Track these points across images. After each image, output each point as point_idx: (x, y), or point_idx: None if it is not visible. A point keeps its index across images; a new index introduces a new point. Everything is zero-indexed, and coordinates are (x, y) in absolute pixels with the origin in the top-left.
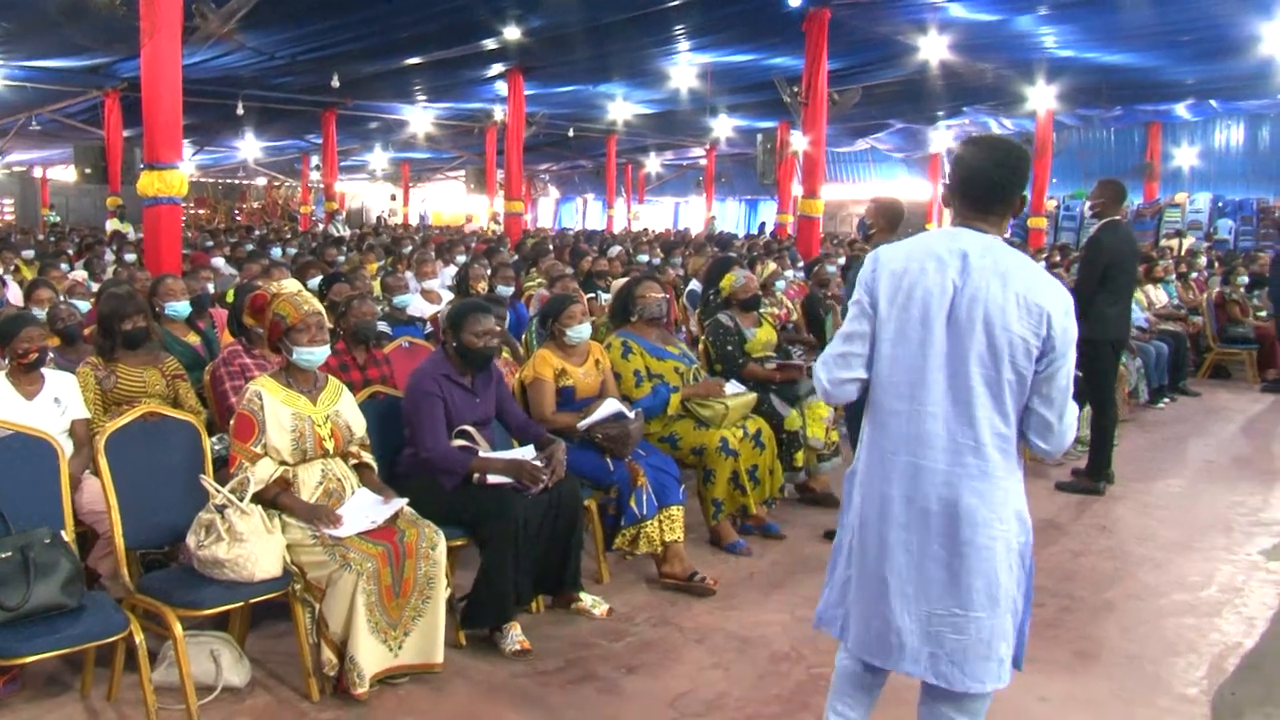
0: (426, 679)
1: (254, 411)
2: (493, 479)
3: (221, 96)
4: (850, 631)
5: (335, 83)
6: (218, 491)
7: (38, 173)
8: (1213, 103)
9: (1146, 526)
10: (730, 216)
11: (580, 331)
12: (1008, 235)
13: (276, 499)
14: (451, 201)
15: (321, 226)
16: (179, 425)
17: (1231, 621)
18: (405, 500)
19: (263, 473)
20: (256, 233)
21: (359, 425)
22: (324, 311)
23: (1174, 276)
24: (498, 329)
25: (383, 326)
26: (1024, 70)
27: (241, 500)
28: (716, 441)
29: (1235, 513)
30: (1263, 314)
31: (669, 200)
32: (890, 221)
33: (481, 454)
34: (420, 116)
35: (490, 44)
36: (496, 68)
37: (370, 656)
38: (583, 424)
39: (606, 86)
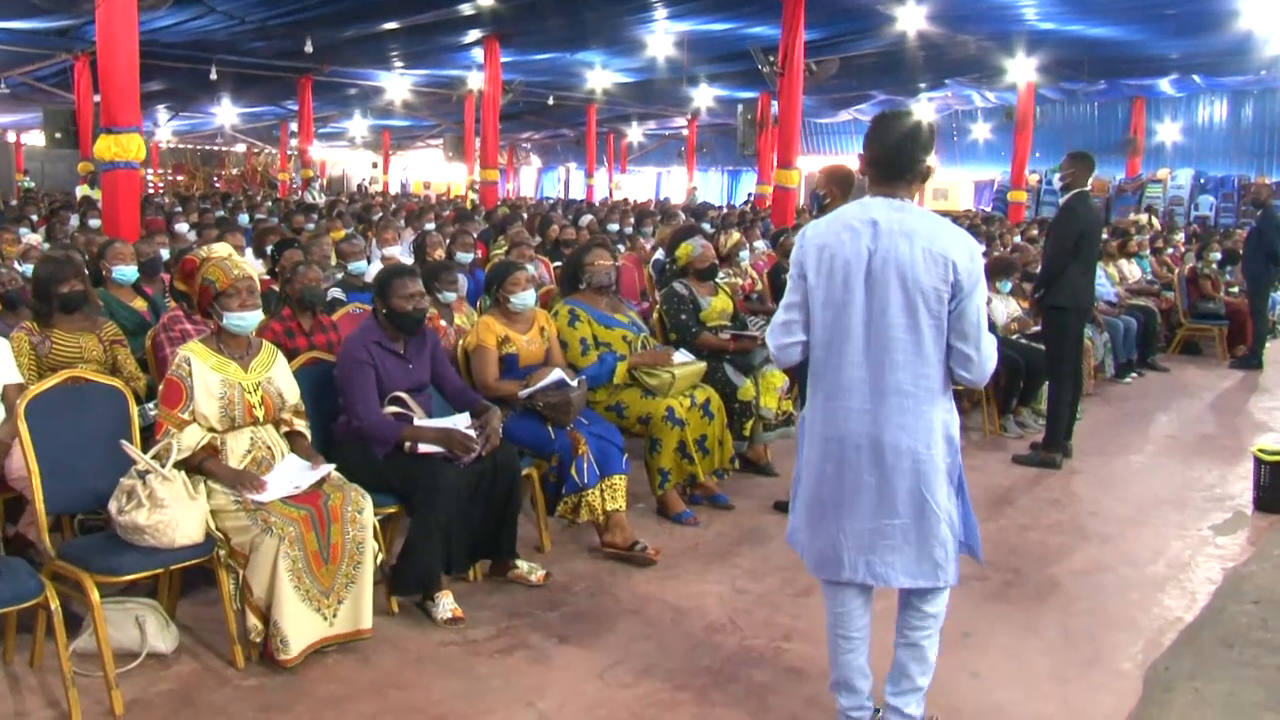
0: (353, 647)
1: (182, 378)
2: (424, 448)
3: (194, 61)
4: (806, 552)
5: (309, 48)
6: (140, 457)
7: (11, 137)
8: (1196, 78)
9: (1099, 501)
10: (712, 187)
11: (524, 298)
12: (988, 208)
13: (202, 465)
14: (433, 170)
15: (299, 194)
16: (106, 390)
17: (1174, 596)
18: (332, 466)
19: (189, 440)
20: (232, 199)
21: (292, 393)
22: (255, 276)
23: (1148, 251)
24: (423, 291)
25: (337, 293)
26: (1005, 42)
27: (164, 466)
28: (663, 410)
29: (1191, 489)
30: (1234, 290)
31: (651, 170)
32: (843, 189)
33: (416, 422)
34: (397, 83)
35: (466, 9)
36: (473, 34)
37: (302, 625)
38: (524, 392)
39: (584, 54)
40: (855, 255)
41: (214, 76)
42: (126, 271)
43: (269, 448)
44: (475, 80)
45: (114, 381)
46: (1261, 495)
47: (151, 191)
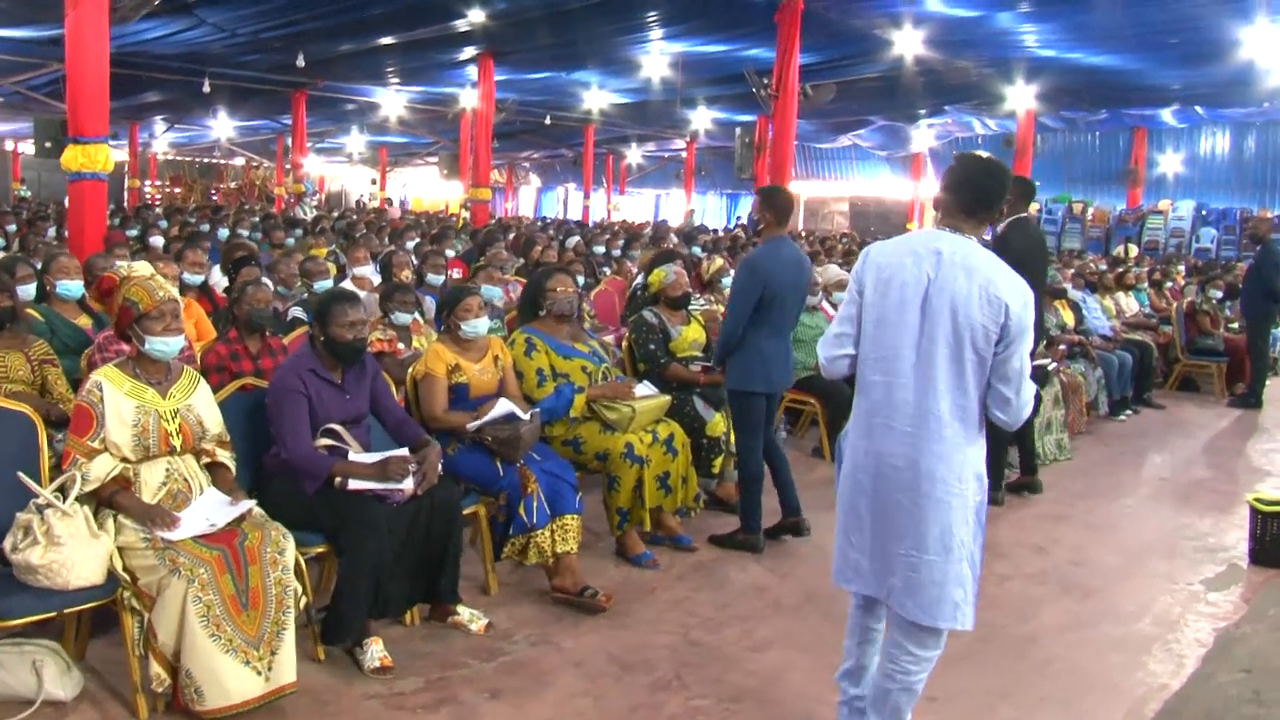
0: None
1: (92, 404)
2: (355, 484)
3: (188, 74)
4: (835, 561)
5: (300, 62)
6: (38, 490)
7: (9, 146)
8: (1198, 109)
9: (1086, 549)
10: (711, 210)
11: (475, 326)
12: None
13: (112, 498)
14: (432, 187)
15: (292, 209)
16: (10, 416)
17: (1160, 659)
18: (252, 503)
19: (98, 470)
20: (222, 213)
21: (214, 421)
22: (179, 299)
23: (1146, 284)
24: (365, 319)
25: (298, 313)
26: (1004, 69)
27: (66, 500)
28: (621, 447)
29: (1182, 536)
30: (1234, 326)
31: (650, 192)
32: (778, 214)
33: (351, 456)
34: (393, 99)
35: (460, 25)
36: (468, 51)
37: (226, 677)
38: (472, 425)
39: (581, 74)
40: (915, 280)
41: (207, 89)
42: (71, 287)
43: (186, 480)
44: (469, 98)
45: (19, 406)
46: (1257, 548)
47: (148, 203)
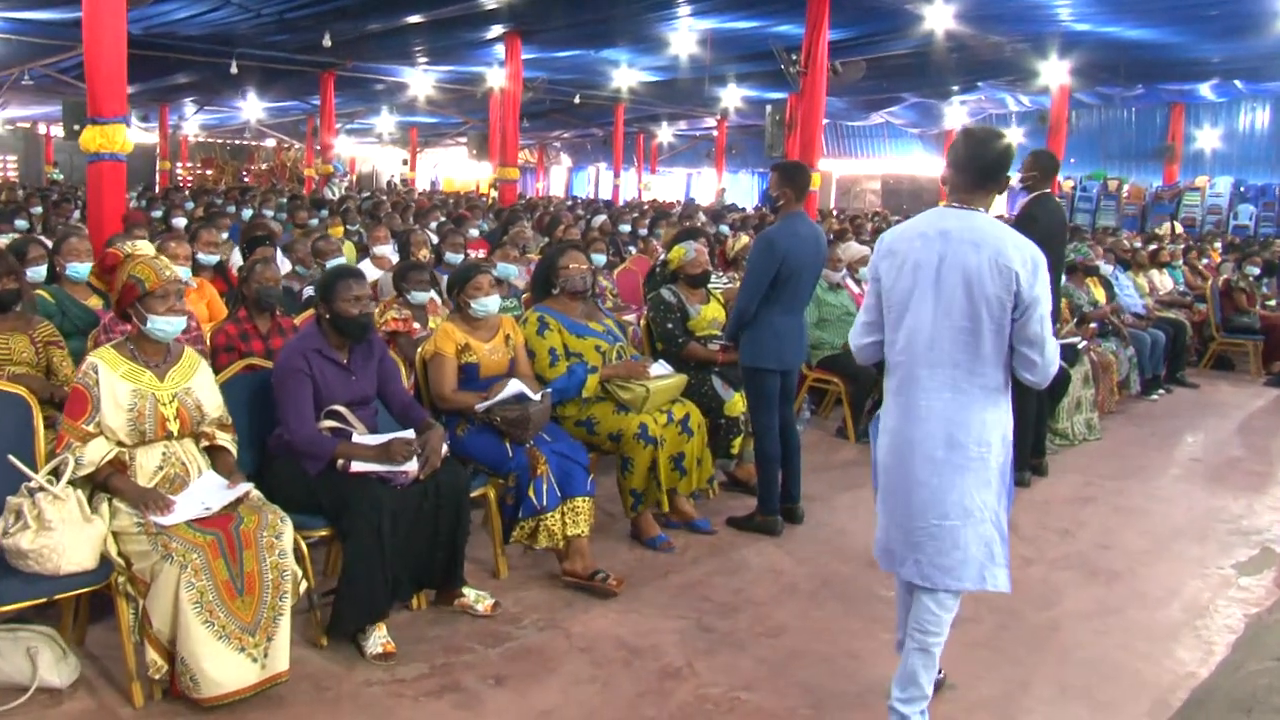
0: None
1: (88, 386)
2: (358, 466)
3: (215, 55)
4: (876, 541)
5: (327, 42)
6: (30, 473)
7: (43, 129)
8: (1238, 83)
9: (1113, 532)
10: (742, 188)
11: (486, 304)
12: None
13: (108, 481)
14: (463, 167)
15: (320, 190)
16: (5, 398)
17: (1188, 647)
18: (249, 486)
19: (93, 454)
20: (250, 193)
21: (213, 404)
22: (184, 280)
23: (1181, 261)
24: (370, 294)
25: (311, 292)
26: (1038, 43)
27: (58, 484)
28: (635, 427)
29: (1215, 519)
30: (1271, 303)
31: (681, 171)
32: (797, 189)
33: (355, 438)
34: (421, 79)
35: (487, 3)
36: (495, 30)
37: (221, 665)
38: (481, 405)
39: (609, 52)
40: (926, 260)
41: (235, 70)
42: (80, 268)
43: (184, 464)
44: (496, 77)
45: (13, 388)
46: None
47: (178, 185)
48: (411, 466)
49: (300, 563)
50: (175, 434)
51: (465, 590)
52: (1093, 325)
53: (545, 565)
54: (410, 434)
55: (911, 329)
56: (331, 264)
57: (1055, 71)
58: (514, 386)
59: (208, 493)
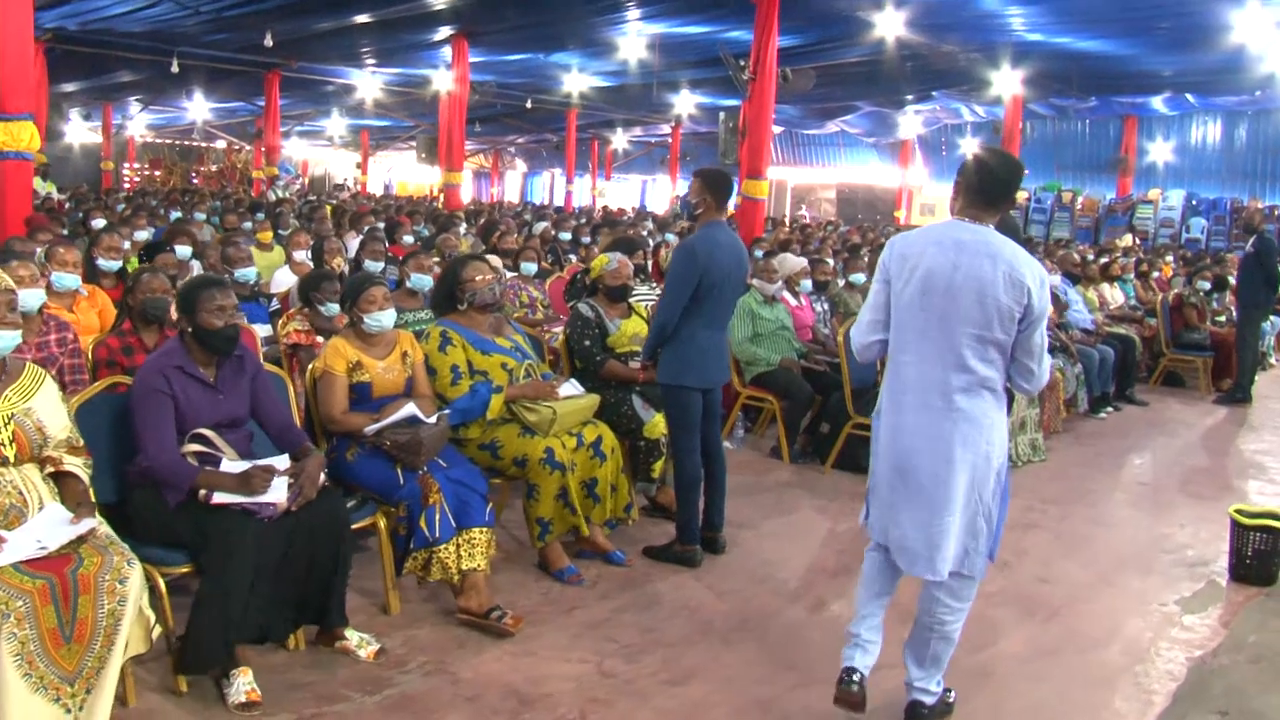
0: None
1: None
2: (220, 497)
3: (156, 53)
4: (875, 528)
5: (268, 41)
6: None
7: None
8: (1189, 97)
9: (1054, 563)
10: None
11: (379, 319)
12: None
13: None
14: (417, 171)
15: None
16: None
17: (1127, 696)
18: (95, 522)
19: None
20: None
21: (58, 426)
22: (15, 289)
23: (1132, 275)
24: (235, 304)
25: None
26: (990, 53)
27: None
28: (541, 452)
29: (1160, 548)
30: (1221, 319)
31: (636, 178)
32: (718, 197)
33: (225, 465)
34: (369, 82)
35: (433, 4)
36: (442, 32)
37: (33, 718)
38: (370, 428)
39: (559, 56)
40: (939, 268)
41: (175, 69)
42: None
43: (21, 494)
44: (444, 80)
45: None
46: (1237, 564)
47: (128, 187)
48: (279, 497)
49: (157, 603)
50: (11, 460)
51: (349, 633)
52: None
53: (442, 599)
54: (274, 462)
55: (920, 332)
56: (242, 273)
57: (1008, 81)
58: (406, 408)
59: (47, 529)
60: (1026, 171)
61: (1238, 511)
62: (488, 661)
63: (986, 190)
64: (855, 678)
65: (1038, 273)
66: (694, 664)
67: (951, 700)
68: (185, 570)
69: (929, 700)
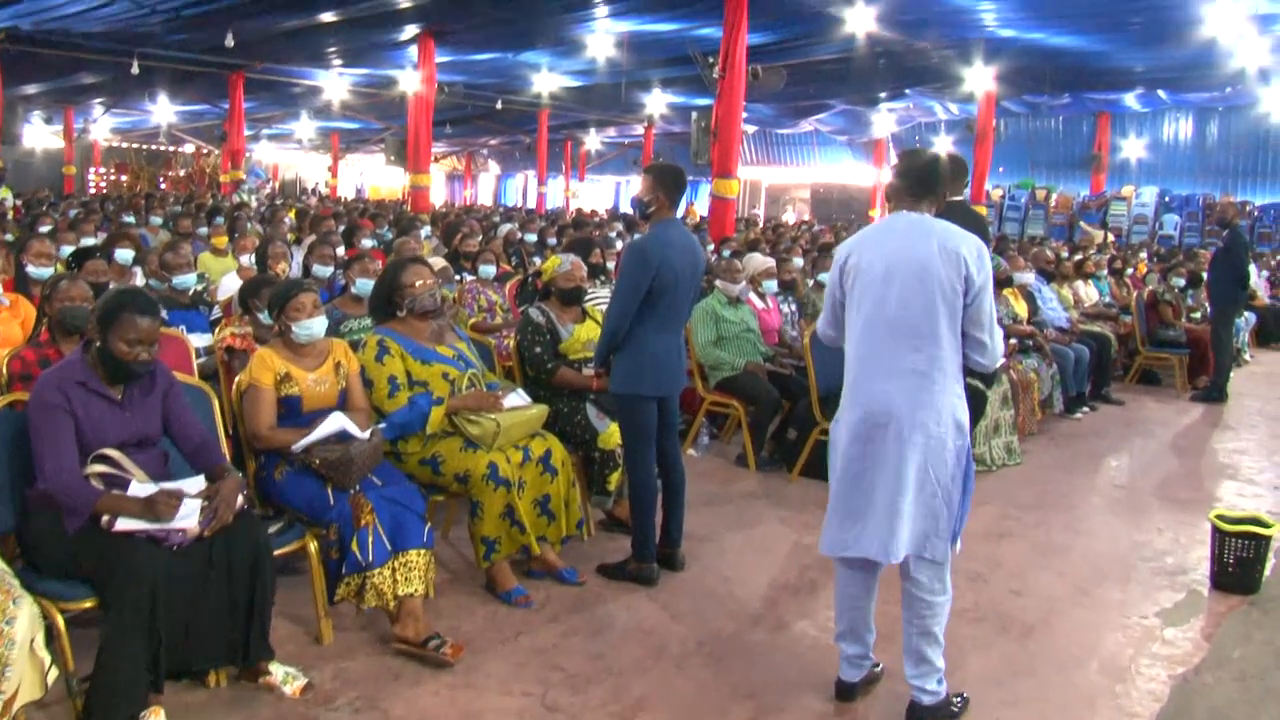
0: None
1: None
2: (123, 523)
3: (116, 54)
4: (825, 538)
5: (230, 41)
6: None
7: None
8: (1161, 94)
9: (1029, 574)
10: None
11: (309, 327)
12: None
13: None
14: (389, 174)
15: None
16: None
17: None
18: None
19: None
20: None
21: None
22: None
23: (1106, 272)
24: (157, 333)
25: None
26: (963, 50)
27: None
28: (484, 467)
29: (1139, 556)
30: (1196, 316)
31: (610, 179)
32: (670, 194)
33: (133, 488)
34: (336, 83)
35: (399, 2)
36: (409, 31)
37: None
38: (298, 445)
39: (529, 55)
40: (880, 255)
41: (136, 71)
42: None
43: None
44: (410, 80)
45: None
46: (1219, 572)
47: (94, 192)
48: (189, 522)
49: (54, 643)
50: None
51: (274, 667)
52: (1013, 341)
53: (380, 626)
54: (189, 483)
55: (869, 318)
56: (181, 280)
57: (981, 78)
58: (335, 422)
59: None
60: (943, 165)
61: (1219, 517)
62: (424, 695)
63: (909, 184)
64: (845, 689)
65: (973, 243)
66: (644, 693)
67: (958, 706)
68: (88, 605)
69: (927, 700)
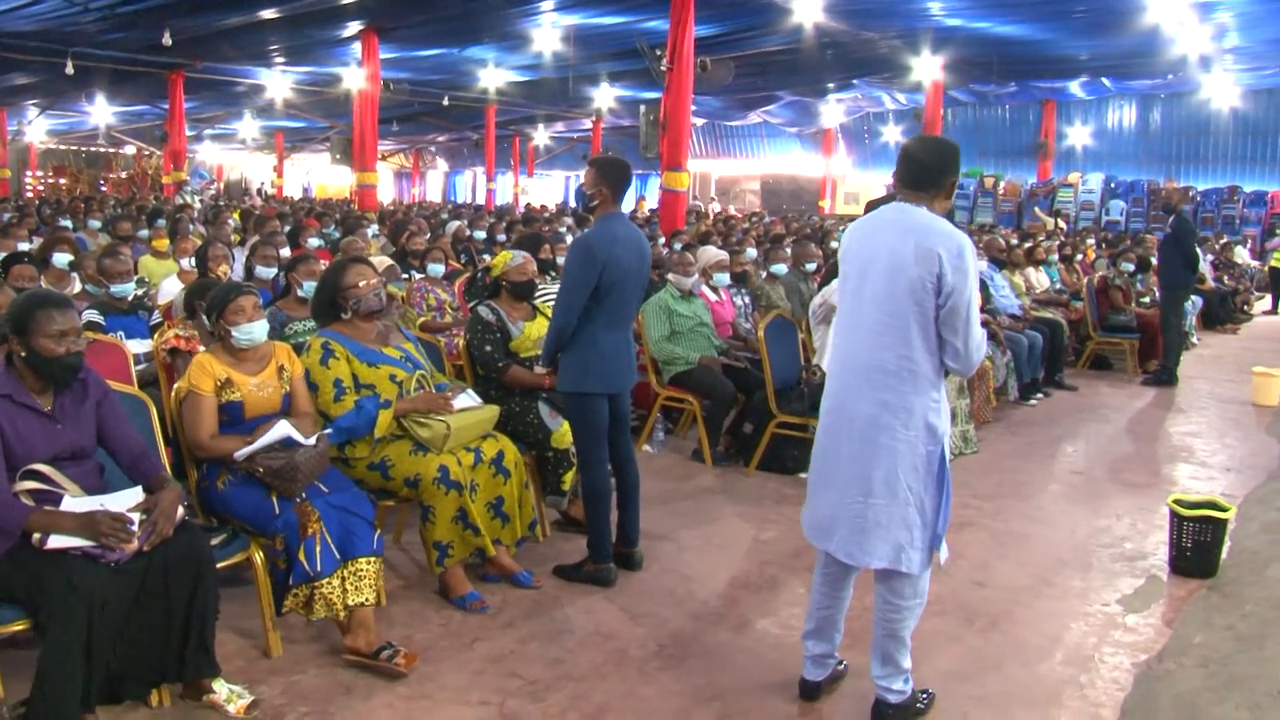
0: None
1: None
2: (57, 541)
3: (48, 54)
4: (805, 518)
5: (167, 40)
6: None
7: None
8: (1106, 81)
9: (991, 565)
10: None
11: (249, 332)
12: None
13: None
14: (336, 173)
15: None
16: None
17: (1074, 712)
18: None
19: None
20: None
21: None
22: None
23: (1056, 257)
24: (79, 326)
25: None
26: (910, 39)
27: None
28: (434, 471)
29: (1098, 542)
30: (1145, 300)
31: (560, 174)
32: (614, 188)
33: (66, 503)
34: (279, 81)
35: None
36: (352, 27)
37: None
38: (240, 453)
39: (474, 50)
40: (868, 250)
41: (70, 71)
42: None
43: None
44: (355, 78)
45: None
46: (1177, 556)
47: (30, 196)
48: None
49: None
50: None
51: (218, 685)
52: None
53: (331, 637)
54: (127, 495)
55: (850, 312)
56: (119, 288)
57: (928, 68)
58: (279, 429)
59: None
60: (953, 153)
61: (1176, 502)
62: (376, 709)
63: (910, 174)
64: (810, 688)
65: (955, 243)
66: (606, 699)
67: (924, 703)
68: (20, 628)
69: (893, 699)
